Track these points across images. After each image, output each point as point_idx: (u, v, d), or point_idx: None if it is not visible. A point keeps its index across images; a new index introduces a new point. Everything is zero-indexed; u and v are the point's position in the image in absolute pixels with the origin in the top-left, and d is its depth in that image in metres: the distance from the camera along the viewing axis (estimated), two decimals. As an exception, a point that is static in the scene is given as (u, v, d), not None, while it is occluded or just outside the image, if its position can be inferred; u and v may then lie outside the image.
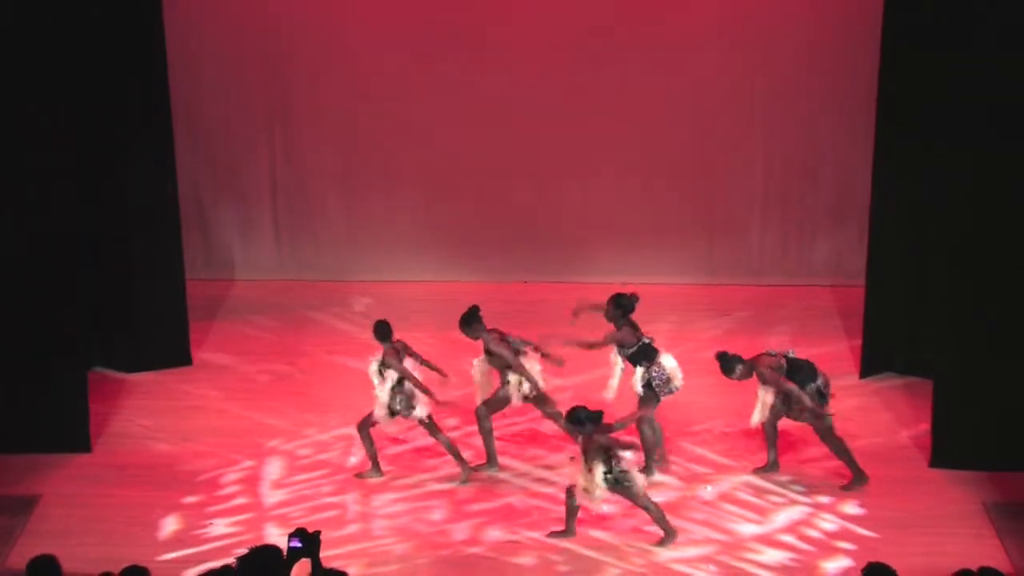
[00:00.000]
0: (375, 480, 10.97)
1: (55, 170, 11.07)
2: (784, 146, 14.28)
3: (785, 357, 10.59)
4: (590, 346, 10.81)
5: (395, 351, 10.75)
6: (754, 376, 10.64)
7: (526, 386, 10.84)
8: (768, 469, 10.97)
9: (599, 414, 9.84)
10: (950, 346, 11.04)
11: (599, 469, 9.77)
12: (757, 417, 10.75)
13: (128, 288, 12.58)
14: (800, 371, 10.57)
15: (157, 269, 12.64)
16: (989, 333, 10.84)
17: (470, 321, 10.87)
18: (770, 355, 10.61)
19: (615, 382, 10.86)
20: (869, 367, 12.51)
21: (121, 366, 12.68)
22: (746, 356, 10.63)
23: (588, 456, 9.83)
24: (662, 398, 10.80)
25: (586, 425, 9.78)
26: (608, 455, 9.78)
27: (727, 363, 10.62)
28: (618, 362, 10.85)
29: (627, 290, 10.92)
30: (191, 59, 13.91)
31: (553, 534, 10.13)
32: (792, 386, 10.48)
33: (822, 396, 10.64)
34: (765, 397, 10.67)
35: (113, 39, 12.04)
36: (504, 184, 14.48)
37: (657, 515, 10.02)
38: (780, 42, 13.97)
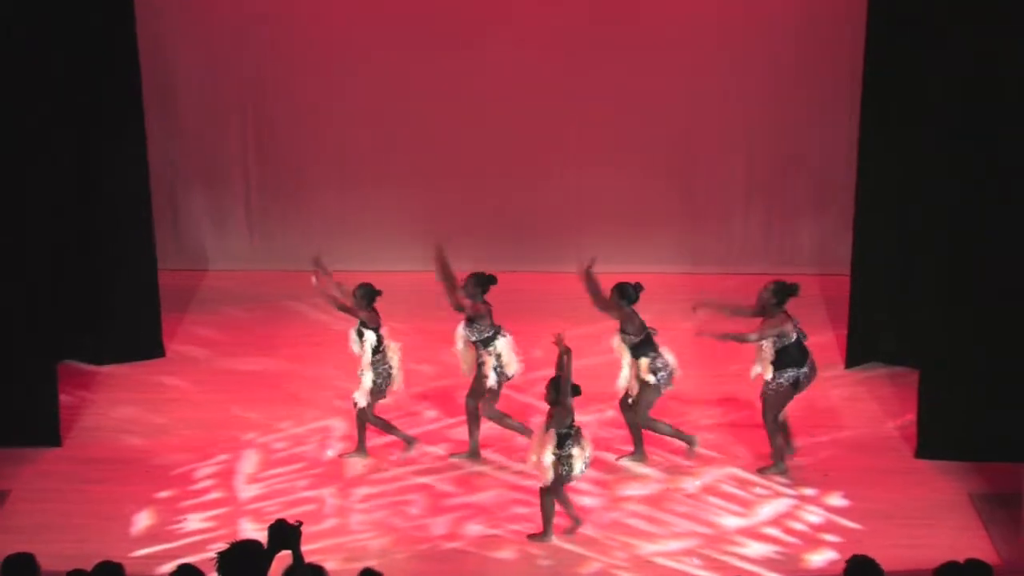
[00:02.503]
0: (360, 460, 11.07)
1: (24, 160, 11.06)
2: (767, 133, 14.34)
3: (798, 334, 10.69)
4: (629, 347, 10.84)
5: (373, 317, 10.88)
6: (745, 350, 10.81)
7: (512, 367, 10.93)
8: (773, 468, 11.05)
9: (576, 388, 9.94)
10: (936, 335, 11.11)
11: (551, 443, 9.87)
12: (757, 369, 10.82)
13: (99, 278, 12.58)
14: (790, 354, 10.69)
15: (128, 259, 12.63)
16: (976, 322, 10.91)
17: (482, 283, 10.91)
18: (791, 321, 10.68)
19: (627, 372, 10.89)
20: (855, 357, 12.59)
21: (92, 358, 12.68)
22: (732, 352, 10.75)
23: (546, 425, 9.93)
24: (663, 392, 10.90)
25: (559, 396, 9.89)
26: (566, 434, 9.88)
27: (778, 290, 10.70)
28: (624, 351, 10.89)
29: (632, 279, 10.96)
30: (163, 43, 13.92)
31: (532, 537, 10.20)
32: (767, 330, 10.57)
33: (796, 385, 10.76)
34: (765, 350, 10.76)
35: (83, 26, 12.01)
36: (484, 173, 14.51)
37: (565, 504, 10.08)
38: (763, 27, 14.02)
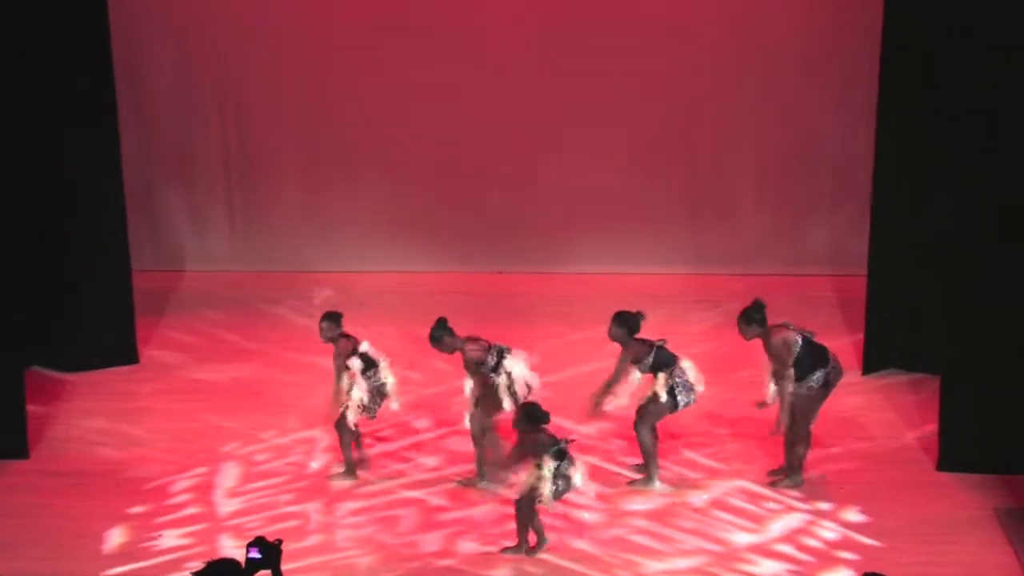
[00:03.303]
0: (348, 483, 10.95)
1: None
2: (778, 125, 14.32)
3: (802, 335, 10.58)
4: (609, 385, 10.68)
5: (349, 343, 10.73)
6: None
7: (518, 387, 10.77)
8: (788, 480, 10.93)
9: (547, 415, 9.83)
10: (958, 341, 11.02)
11: (549, 464, 9.74)
12: (771, 395, 10.69)
13: (70, 279, 12.53)
14: (808, 356, 10.55)
15: (100, 259, 12.59)
16: (1000, 327, 10.82)
17: (439, 336, 10.66)
18: (788, 328, 10.59)
19: (626, 390, 10.75)
20: (872, 362, 12.53)
21: (62, 364, 12.64)
22: (742, 359, 10.62)
23: (522, 451, 9.83)
24: (681, 407, 10.75)
25: (533, 424, 9.77)
26: (558, 451, 9.77)
27: (748, 317, 10.57)
28: (636, 376, 10.71)
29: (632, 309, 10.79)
30: (137, 35, 13.93)
31: (506, 550, 10.08)
32: (790, 371, 10.46)
33: (827, 385, 10.65)
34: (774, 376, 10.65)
35: (53, 17, 11.94)
36: (478, 168, 14.51)
37: (536, 527, 9.99)
38: (774, 13, 14.01)
